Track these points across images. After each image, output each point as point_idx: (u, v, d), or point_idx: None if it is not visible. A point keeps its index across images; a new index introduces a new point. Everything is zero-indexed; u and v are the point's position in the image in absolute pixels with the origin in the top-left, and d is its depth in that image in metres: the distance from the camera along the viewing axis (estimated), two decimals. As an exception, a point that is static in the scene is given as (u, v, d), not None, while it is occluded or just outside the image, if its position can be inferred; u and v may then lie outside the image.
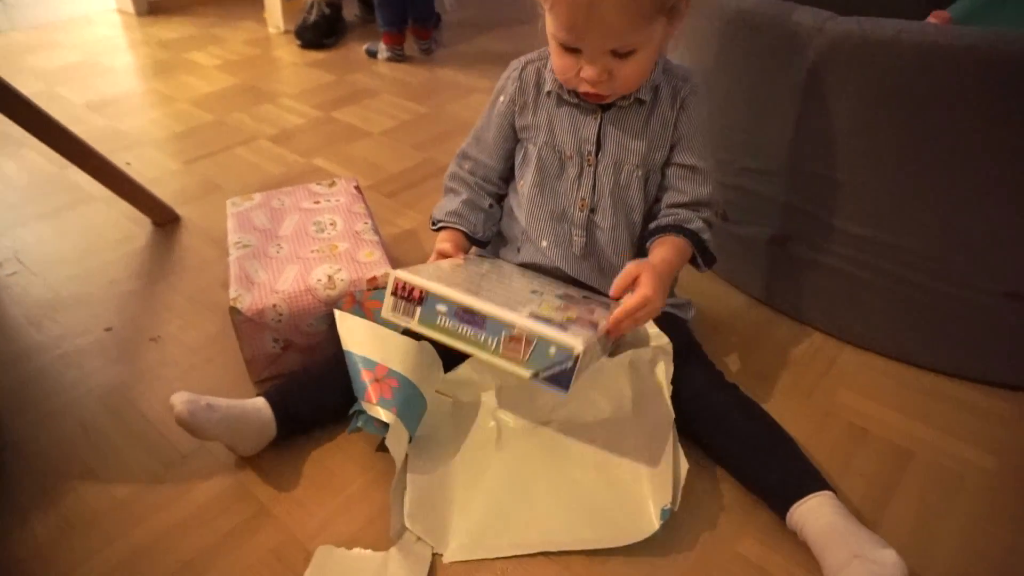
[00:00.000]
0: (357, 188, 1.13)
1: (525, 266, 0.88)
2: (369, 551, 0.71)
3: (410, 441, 0.77)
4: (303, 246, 0.97)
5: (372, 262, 0.94)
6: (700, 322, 0.95)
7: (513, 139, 0.88)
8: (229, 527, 0.75)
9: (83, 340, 1.01)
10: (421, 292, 0.69)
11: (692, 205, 0.82)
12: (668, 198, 0.83)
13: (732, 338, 1.02)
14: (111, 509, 0.77)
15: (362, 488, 0.79)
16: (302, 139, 1.63)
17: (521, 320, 0.65)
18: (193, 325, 1.04)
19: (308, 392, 0.83)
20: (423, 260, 0.86)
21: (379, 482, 0.79)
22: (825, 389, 0.93)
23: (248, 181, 1.44)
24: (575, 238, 0.84)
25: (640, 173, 0.82)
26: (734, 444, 0.77)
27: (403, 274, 0.70)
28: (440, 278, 0.71)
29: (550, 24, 0.74)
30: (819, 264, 0.97)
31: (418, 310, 0.69)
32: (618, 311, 0.71)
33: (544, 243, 0.85)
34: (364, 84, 1.94)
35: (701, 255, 0.83)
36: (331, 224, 1.02)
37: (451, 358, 0.81)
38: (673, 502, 0.72)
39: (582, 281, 0.86)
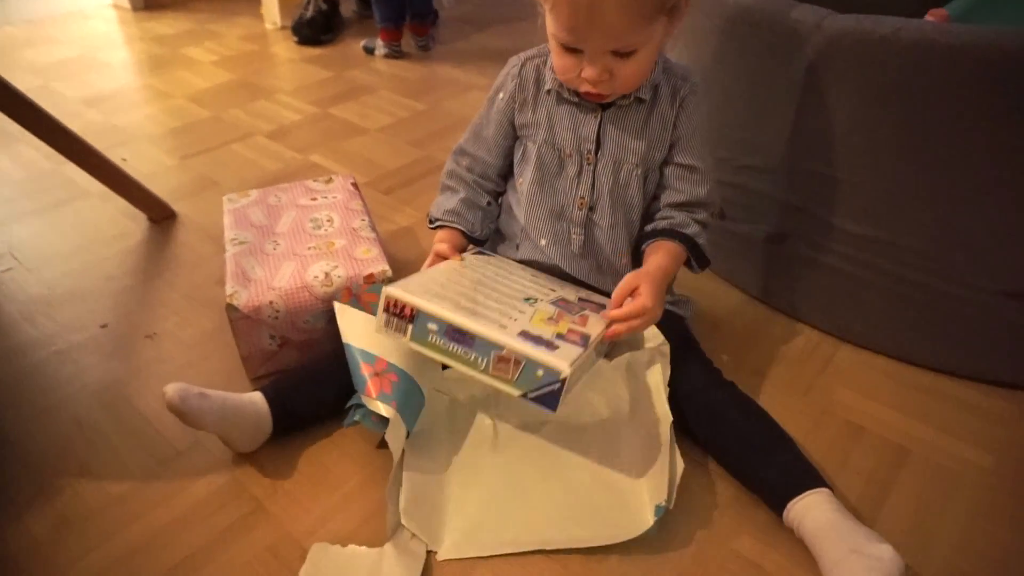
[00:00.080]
0: (354, 185, 1.13)
1: (523, 263, 0.88)
2: (364, 548, 0.71)
3: (407, 436, 0.77)
4: (300, 243, 0.97)
5: (369, 259, 0.93)
6: (698, 320, 0.95)
7: (512, 136, 0.88)
8: (225, 524, 0.75)
9: (78, 336, 1.01)
10: (412, 310, 0.69)
11: (689, 205, 0.83)
12: (665, 197, 0.83)
13: (730, 336, 1.02)
14: (107, 505, 0.77)
15: (358, 485, 0.79)
16: (299, 135, 1.62)
17: (510, 341, 0.66)
18: (189, 322, 1.04)
19: (305, 388, 0.83)
20: (420, 257, 0.86)
21: (375, 479, 0.79)
22: (822, 387, 0.93)
23: (245, 177, 1.43)
24: (574, 236, 0.84)
25: (639, 172, 0.82)
26: (731, 441, 0.77)
27: (395, 291, 0.70)
28: (434, 291, 0.71)
29: (550, 24, 0.73)
30: (817, 262, 0.97)
31: (410, 327, 0.70)
32: (617, 326, 0.73)
33: (543, 241, 0.85)
34: (361, 81, 1.93)
35: (696, 259, 0.83)
36: (328, 221, 1.02)
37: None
38: (668, 500, 0.72)
39: (580, 279, 0.85)
